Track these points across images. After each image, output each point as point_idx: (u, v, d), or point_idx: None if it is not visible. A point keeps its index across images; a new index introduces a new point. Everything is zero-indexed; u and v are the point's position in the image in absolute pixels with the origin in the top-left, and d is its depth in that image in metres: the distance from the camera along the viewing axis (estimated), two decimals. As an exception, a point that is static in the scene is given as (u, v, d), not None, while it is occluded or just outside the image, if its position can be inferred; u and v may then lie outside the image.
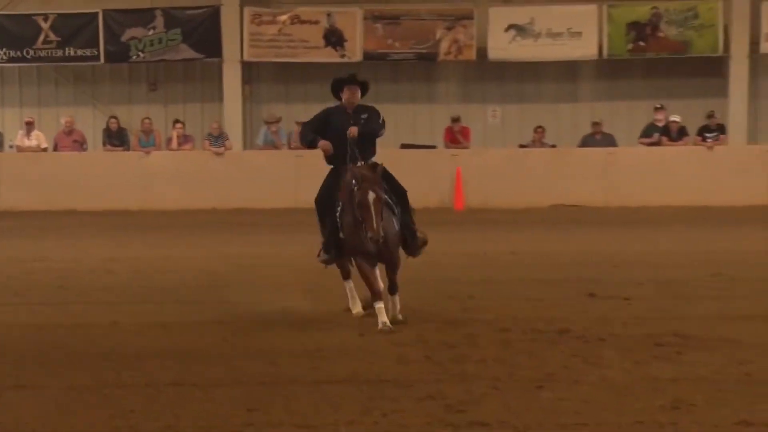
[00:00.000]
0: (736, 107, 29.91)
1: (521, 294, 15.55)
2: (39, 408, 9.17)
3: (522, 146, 29.77)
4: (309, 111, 30.89)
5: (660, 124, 29.07)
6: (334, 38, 30.32)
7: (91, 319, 13.56)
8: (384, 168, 12.32)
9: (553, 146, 29.66)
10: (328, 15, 30.41)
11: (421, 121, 31.34)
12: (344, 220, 12.04)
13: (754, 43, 29.72)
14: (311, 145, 12.48)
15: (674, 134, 28.96)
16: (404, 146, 29.77)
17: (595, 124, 29.44)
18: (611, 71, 30.84)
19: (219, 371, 10.42)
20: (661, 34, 30.12)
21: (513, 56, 30.25)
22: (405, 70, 31.45)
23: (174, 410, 8.95)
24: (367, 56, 30.26)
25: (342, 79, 12.73)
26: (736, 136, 29.87)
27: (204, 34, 29.96)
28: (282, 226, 24.58)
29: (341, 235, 12.22)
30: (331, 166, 12.66)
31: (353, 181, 11.76)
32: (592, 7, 29.94)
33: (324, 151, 12.36)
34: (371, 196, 11.52)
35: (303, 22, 30.48)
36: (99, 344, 11.89)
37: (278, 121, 29.64)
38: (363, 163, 12.32)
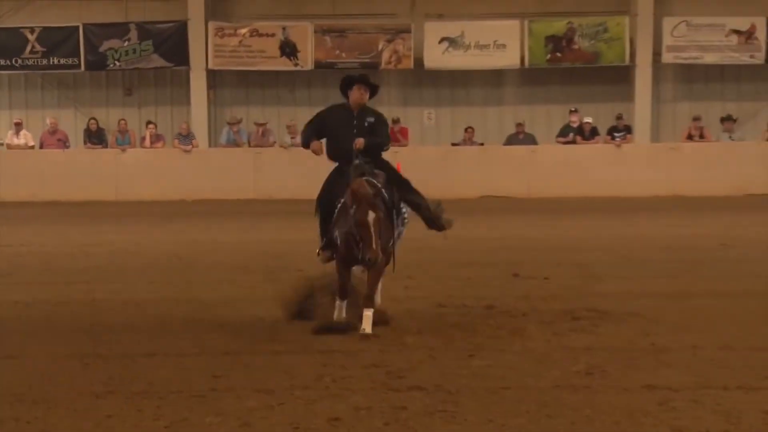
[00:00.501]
0: (640, 110, 30.10)
1: (454, 275, 15.49)
2: (25, 375, 9.14)
3: (454, 144, 29.94)
4: (266, 114, 30.69)
5: (575, 125, 29.13)
6: (288, 49, 30.42)
7: (72, 297, 13.49)
8: (386, 173, 10.88)
9: (481, 144, 29.74)
10: (283, 29, 30.51)
11: None
12: (340, 222, 10.54)
13: (657, 54, 29.88)
14: (305, 145, 11.05)
15: (587, 134, 29.08)
16: None
17: (518, 125, 29.56)
18: (532, 79, 30.89)
19: (187, 343, 10.36)
20: (575, 46, 30.28)
21: (446, 65, 30.40)
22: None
23: (147, 377, 8.97)
24: (318, 65, 30.34)
25: (353, 78, 11.08)
26: (641, 135, 30.06)
27: (173, 45, 29.96)
28: (242, 215, 24.69)
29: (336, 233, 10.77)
30: (336, 164, 11.11)
31: (351, 200, 10.15)
32: (515, 23, 30.02)
33: (314, 152, 10.90)
34: (371, 216, 9.99)
35: (261, 35, 30.56)
36: (79, 319, 11.85)
37: (239, 122, 29.67)
38: (365, 167, 10.64)
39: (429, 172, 27.42)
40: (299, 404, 8.61)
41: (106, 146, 28.80)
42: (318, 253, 10.99)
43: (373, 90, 10.98)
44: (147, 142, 28.68)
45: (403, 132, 29.81)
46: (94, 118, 29.16)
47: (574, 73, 30.74)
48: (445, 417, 8.18)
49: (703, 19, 29.77)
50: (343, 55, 30.59)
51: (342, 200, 10.39)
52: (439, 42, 30.30)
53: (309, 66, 30.62)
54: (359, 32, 30.72)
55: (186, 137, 28.70)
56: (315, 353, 10.32)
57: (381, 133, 10.91)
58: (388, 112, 28.39)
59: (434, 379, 9.23)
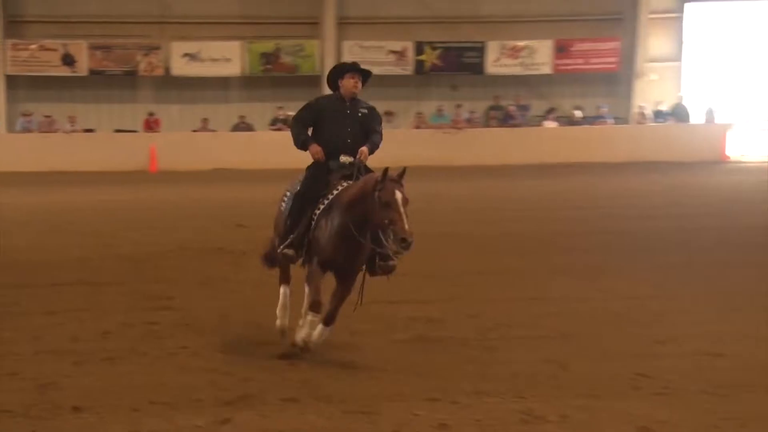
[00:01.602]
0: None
1: (190, 225, 17.05)
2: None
3: (194, 131, 32.33)
4: (53, 109, 32.26)
5: (281, 118, 31.50)
6: (68, 60, 32.86)
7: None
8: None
9: (214, 131, 32.24)
10: (64, 45, 32.83)
11: (128, 115, 33.26)
12: (327, 221, 8.39)
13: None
14: (303, 147, 8.77)
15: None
16: (117, 131, 32.35)
17: (241, 116, 32.47)
18: (250, 84, 33.70)
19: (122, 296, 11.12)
20: (281, 61, 33.37)
21: (188, 73, 33.21)
22: (117, 82, 33.34)
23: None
24: (91, 72, 32.85)
25: (345, 65, 9.07)
26: None
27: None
28: (35, 184, 25.91)
29: (312, 235, 8.52)
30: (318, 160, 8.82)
31: (374, 181, 8.01)
32: (238, 43, 33.14)
33: (315, 158, 8.69)
34: (398, 195, 7.91)
35: (47, 49, 32.83)
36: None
37: (31, 114, 31.84)
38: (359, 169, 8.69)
39: (177, 152, 30.72)
40: (77, 322, 9.72)
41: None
42: (279, 253, 8.80)
43: (365, 77, 8.97)
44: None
45: (156, 122, 32.39)
46: None
47: (280, 80, 33.43)
48: (189, 329, 9.42)
49: (371, 42, 33.12)
50: (111, 65, 32.98)
51: (327, 199, 8.46)
52: (182, 56, 33.12)
53: (84, 73, 33.10)
54: (123, 48, 33.05)
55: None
56: (86, 285, 11.54)
57: (376, 129, 8.89)
58: (144, 107, 32.16)
59: (183, 301, 10.64)
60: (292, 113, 32.44)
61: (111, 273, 12.56)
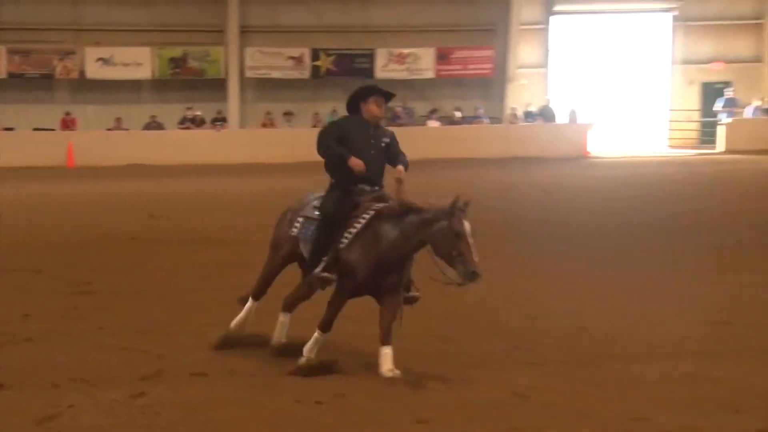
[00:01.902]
0: (232, 108, 33.15)
1: (105, 216, 16.98)
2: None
3: (109, 129, 31.98)
4: None
5: (190, 117, 31.85)
6: None
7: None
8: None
9: (127, 129, 31.92)
10: None
11: (46, 115, 32.46)
12: (367, 243, 7.32)
13: (242, 71, 33.31)
14: (341, 159, 7.52)
15: (198, 122, 31.81)
16: (36, 129, 31.92)
17: (152, 116, 32.18)
18: (160, 86, 33.52)
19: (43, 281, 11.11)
20: (189, 65, 33.39)
21: (102, 77, 32.97)
22: (35, 84, 32.85)
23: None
24: (10, 75, 32.44)
25: (371, 89, 7.85)
26: (233, 124, 33.11)
27: None
28: None
29: (345, 257, 7.40)
30: (337, 181, 7.71)
31: (442, 210, 7.15)
32: (148, 49, 33.00)
33: (356, 170, 7.50)
34: (467, 226, 7.11)
35: None
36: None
37: None
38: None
39: (93, 149, 30.40)
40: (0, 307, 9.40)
41: None
42: (317, 277, 7.55)
43: (388, 100, 7.93)
44: None
45: (73, 121, 32.24)
46: None
47: (188, 83, 33.45)
48: (107, 312, 9.40)
49: (271, 48, 33.28)
50: (29, 68, 32.66)
51: (360, 221, 7.41)
52: (96, 61, 32.95)
53: (3, 76, 32.66)
54: (40, 53, 32.70)
55: None
56: (9, 272, 11.54)
57: (400, 150, 7.86)
58: (62, 107, 31.68)
59: (102, 286, 10.74)
60: (200, 113, 33.03)
61: (33, 261, 12.47)
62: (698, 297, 10.04)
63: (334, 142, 7.66)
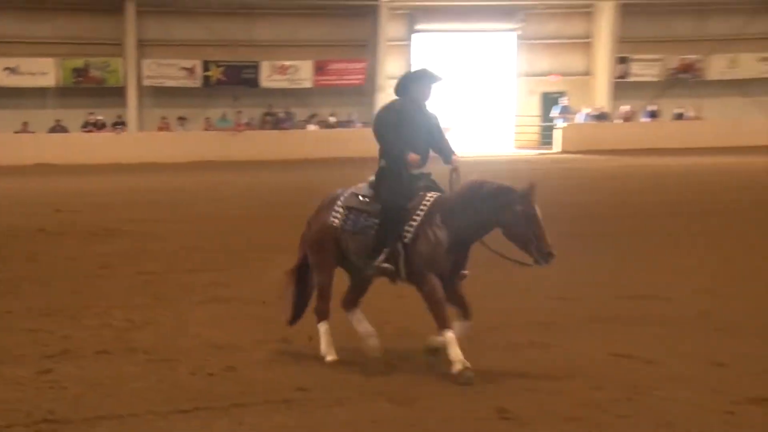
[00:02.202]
0: (130, 113, 32.36)
1: (21, 209, 16.83)
2: None
3: (16, 132, 30.86)
4: None
5: (92, 122, 30.97)
6: None
7: None
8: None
9: (33, 132, 30.97)
10: None
11: None
12: (433, 232, 6.51)
13: (140, 80, 32.34)
14: (400, 154, 6.73)
15: (99, 126, 31.00)
16: None
17: (57, 120, 31.19)
18: (65, 93, 32.35)
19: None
20: (91, 74, 32.52)
21: (9, 84, 31.75)
22: None
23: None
24: None
25: (430, 75, 7.03)
26: (132, 127, 32.13)
27: None
28: None
29: (413, 248, 6.56)
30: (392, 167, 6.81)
31: (515, 195, 6.44)
32: (51, 60, 31.92)
33: (412, 165, 6.75)
34: (538, 209, 6.49)
35: None
36: None
37: None
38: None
39: (1, 150, 29.54)
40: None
41: None
42: (376, 267, 6.70)
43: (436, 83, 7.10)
44: None
45: None
46: None
47: (90, 90, 32.41)
48: (15, 297, 9.20)
49: (166, 60, 32.43)
50: None
51: (420, 211, 6.62)
52: (3, 70, 31.84)
53: None
54: None
55: None
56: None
57: (446, 141, 7.09)
58: None
59: (11, 274, 10.65)
60: (101, 118, 32.10)
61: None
62: (543, 277, 10.13)
63: (394, 132, 6.80)
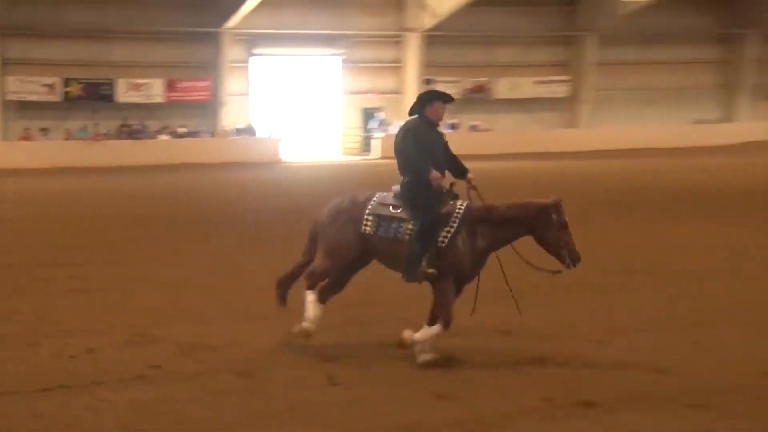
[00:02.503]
0: None
1: None
2: None
3: None
4: None
5: None
6: None
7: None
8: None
9: None
10: None
11: None
12: (465, 240, 6.20)
13: (5, 94, 30.03)
14: (423, 172, 6.28)
15: None
16: None
17: None
18: None
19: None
20: None
21: None
22: None
23: None
24: None
25: (441, 95, 6.54)
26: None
27: None
28: None
29: (449, 255, 6.22)
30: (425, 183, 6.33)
31: (550, 205, 6.20)
32: None
33: (435, 183, 6.29)
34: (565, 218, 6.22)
35: None
36: None
37: None
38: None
39: None
40: None
41: None
42: (423, 272, 6.26)
43: (448, 103, 6.60)
44: None
45: None
46: None
47: None
48: None
49: (29, 78, 30.26)
50: None
51: (453, 220, 6.26)
52: None
53: None
54: None
55: None
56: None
57: (458, 158, 6.69)
58: None
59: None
60: None
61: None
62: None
63: (416, 152, 6.31)
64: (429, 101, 6.40)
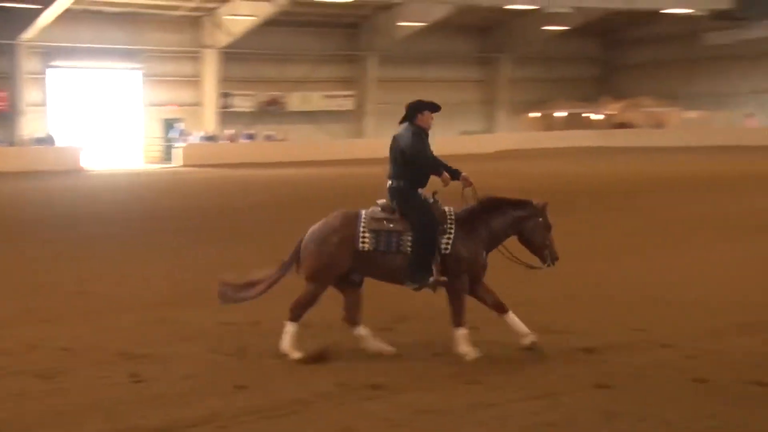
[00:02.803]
0: None
1: None
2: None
3: None
4: None
5: None
6: None
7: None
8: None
9: None
10: None
11: None
12: (465, 243, 5.92)
13: None
14: (436, 171, 6.03)
15: None
16: None
17: None
18: None
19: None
20: None
21: None
22: None
23: None
24: None
25: (432, 105, 6.22)
26: None
27: None
28: None
29: (454, 258, 5.92)
30: (416, 189, 6.09)
31: (539, 208, 6.10)
32: None
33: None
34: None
35: None
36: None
37: None
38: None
39: None
40: None
41: None
42: (435, 281, 5.93)
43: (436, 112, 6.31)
44: None
45: None
46: None
47: None
48: None
49: None
50: None
51: (450, 225, 5.97)
52: None
53: None
54: None
55: None
56: None
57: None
58: None
59: None
60: None
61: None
62: (168, 263, 9.87)
63: (425, 154, 6.03)
64: (419, 110, 6.17)
